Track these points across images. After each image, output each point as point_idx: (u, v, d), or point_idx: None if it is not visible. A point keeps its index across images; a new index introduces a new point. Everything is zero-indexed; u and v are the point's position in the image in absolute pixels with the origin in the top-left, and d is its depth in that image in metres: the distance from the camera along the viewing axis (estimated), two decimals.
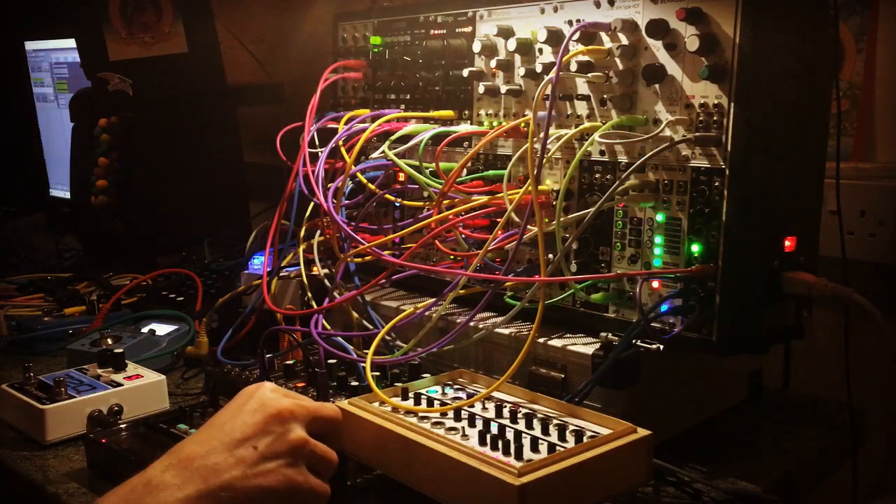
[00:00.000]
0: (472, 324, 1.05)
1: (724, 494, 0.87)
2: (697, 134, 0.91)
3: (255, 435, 0.73)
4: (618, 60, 0.98)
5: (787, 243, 0.95)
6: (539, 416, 0.85)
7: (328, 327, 1.12)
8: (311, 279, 1.20)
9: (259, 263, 1.28)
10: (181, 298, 1.42)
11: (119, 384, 1.04)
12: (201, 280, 1.42)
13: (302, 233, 1.24)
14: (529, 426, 0.83)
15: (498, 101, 1.13)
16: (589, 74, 0.99)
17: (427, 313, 1.08)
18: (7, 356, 1.29)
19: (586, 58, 1.00)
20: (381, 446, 0.83)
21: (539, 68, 1.05)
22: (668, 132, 0.94)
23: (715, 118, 0.90)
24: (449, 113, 1.19)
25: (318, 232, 1.24)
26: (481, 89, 1.14)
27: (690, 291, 0.92)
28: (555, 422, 0.83)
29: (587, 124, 1.01)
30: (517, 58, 1.09)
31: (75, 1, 1.78)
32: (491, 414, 0.86)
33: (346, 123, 1.22)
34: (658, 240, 0.96)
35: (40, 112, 2.33)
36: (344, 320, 1.19)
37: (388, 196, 1.19)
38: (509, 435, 0.80)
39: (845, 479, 1.03)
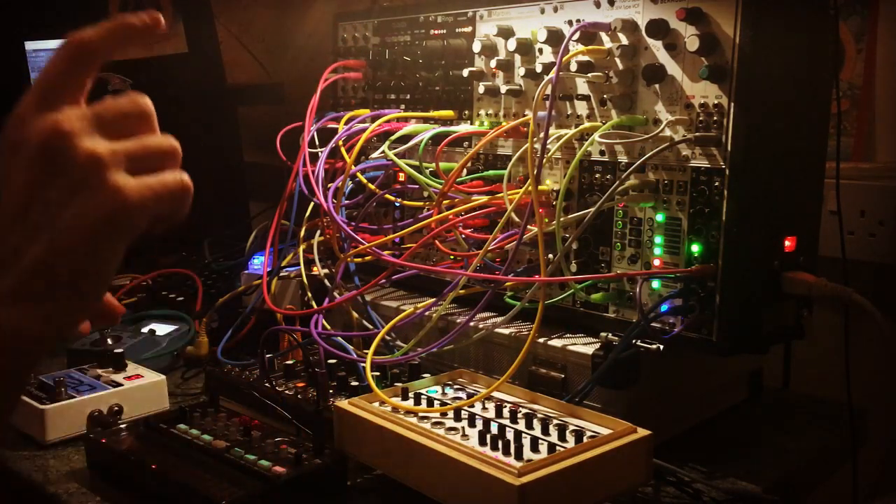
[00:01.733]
0: (472, 324, 1.05)
1: (724, 494, 0.87)
2: (697, 134, 0.91)
3: (34, 188, 0.52)
4: (618, 60, 0.98)
5: (787, 243, 0.95)
6: (539, 416, 0.85)
7: (328, 327, 1.12)
8: (311, 279, 1.20)
9: (259, 263, 1.28)
10: (181, 298, 1.42)
11: (119, 384, 1.04)
12: (201, 280, 1.42)
13: (302, 233, 1.24)
14: (529, 426, 0.83)
15: (498, 101, 1.13)
16: (589, 74, 1.00)
17: (427, 313, 1.08)
18: None
19: (586, 58, 1.00)
20: (381, 446, 0.84)
21: (539, 68, 1.05)
22: (668, 132, 0.94)
23: (715, 118, 0.90)
24: (449, 113, 1.19)
25: (318, 232, 1.24)
26: (481, 89, 1.14)
27: (690, 291, 0.92)
28: (555, 422, 0.83)
29: (587, 124, 1.01)
30: (517, 58, 1.09)
31: (75, 1, 1.78)
32: (491, 414, 0.86)
33: (346, 123, 1.22)
34: (658, 240, 0.96)
35: None
36: (344, 320, 1.19)
37: (388, 196, 1.19)
38: (509, 435, 0.80)
39: (845, 479, 1.03)
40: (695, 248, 0.92)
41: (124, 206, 0.54)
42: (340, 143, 1.19)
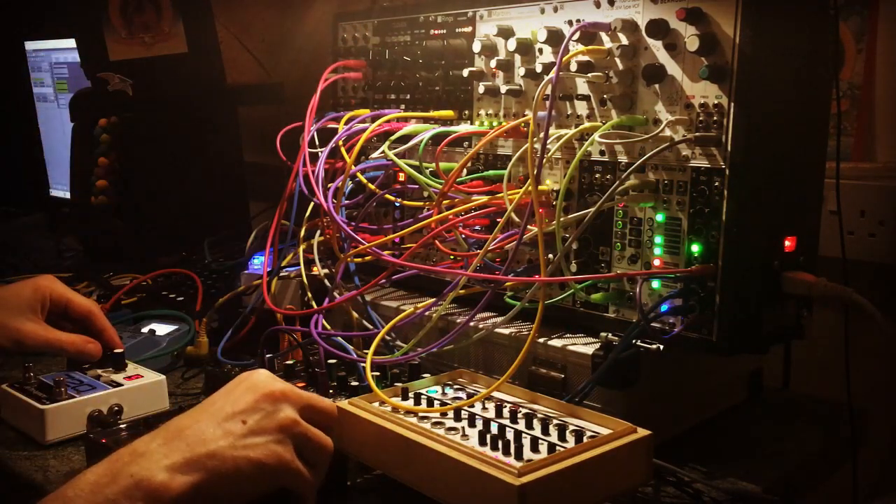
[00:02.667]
0: (472, 324, 1.05)
1: (724, 494, 0.87)
2: (697, 134, 0.91)
3: (245, 411, 0.74)
4: (618, 60, 0.98)
5: (787, 243, 0.95)
6: (539, 416, 0.85)
7: (328, 327, 1.12)
8: (311, 279, 1.20)
9: (259, 263, 1.28)
10: (181, 298, 1.42)
11: (119, 384, 1.04)
12: (201, 280, 1.42)
13: (302, 233, 1.24)
14: (529, 426, 0.83)
15: (498, 101, 1.13)
16: (589, 74, 0.99)
17: (427, 313, 1.08)
18: (7, 356, 1.29)
19: (586, 58, 1.00)
20: (381, 446, 0.84)
21: (539, 68, 1.05)
22: (668, 132, 0.94)
23: (715, 118, 0.90)
24: (449, 113, 1.19)
25: (318, 232, 1.25)
26: (481, 89, 1.14)
27: (690, 291, 0.92)
28: (555, 422, 0.83)
29: (587, 124, 1.01)
30: (517, 58, 1.09)
31: (75, 1, 1.78)
32: (491, 414, 0.86)
33: (346, 123, 1.22)
34: (658, 240, 0.96)
35: (40, 112, 2.32)
36: (344, 320, 1.19)
37: (388, 196, 1.19)
38: (509, 435, 0.80)
39: (845, 479, 1.03)
40: (695, 248, 0.92)
41: (283, 463, 0.74)
42: (340, 143, 1.19)
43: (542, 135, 0.98)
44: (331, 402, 0.83)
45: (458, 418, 0.85)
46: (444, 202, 1.08)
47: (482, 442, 0.79)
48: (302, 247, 1.23)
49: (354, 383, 0.99)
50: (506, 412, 0.86)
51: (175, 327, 1.29)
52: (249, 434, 0.73)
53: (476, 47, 1.12)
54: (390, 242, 1.18)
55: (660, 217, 0.95)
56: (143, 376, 1.07)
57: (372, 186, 1.19)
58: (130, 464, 0.69)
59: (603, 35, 0.99)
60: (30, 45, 2.31)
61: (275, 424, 0.74)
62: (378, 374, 0.99)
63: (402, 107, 1.26)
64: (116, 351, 1.10)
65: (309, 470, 0.76)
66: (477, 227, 1.10)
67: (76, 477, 0.69)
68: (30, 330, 1.07)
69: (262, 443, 0.73)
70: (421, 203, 1.18)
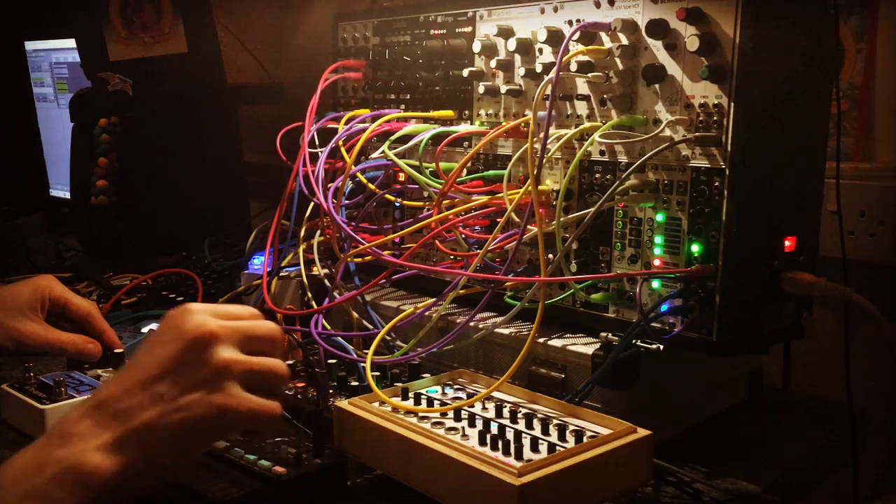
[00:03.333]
0: (472, 324, 1.05)
1: (724, 494, 0.87)
2: (697, 134, 0.91)
3: (172, 368, 0.67)
4: (618, 60, 0.98)
5: (787, 243, 0.95)
6: (539, 416, 0.85)
7: (328, 327, 1.12)
8: (311, 279, 1.20)
9: (259, 263, 1.28)
10: (181, 298, 1.42)
11: None
12: (201, 280, 1.42)
13: (302, 233, 1.24)
14: (529, 426, 0.83)
15: (498, 101, 1.13)
16: (589, 74, 0.99)
17: (427, 313, 1.08)
18: (7, 356, 1.29)
19: (586, 58, 1.00)
20: (381, 446, 0.84)
21: (539, 68, 1.05)
22: (668, 132, 0.94)
23: (715, 118, 0.90)
24: (449, 113, 1.19)
25: (318, 232, 1.24)
26: (481, 89, 1.14)
27: (690, 291, 0.92)
28: (555, 422, 0.83)
29: (587, 124, 1.01)
30: (517, 58, 1.09)
31: (75, 1, 1.78)
32: (491, 414, 0.86)
33: (346, 123, 1.22)
34: (658, 240, 0.96)
35: (40, 112, 2.33)
36: (344, 320, 1.19)
37: (388, 196, 1.19)
38: (509, 435, 0.80)
39: (845, 479, 1.03)
40: (695, 248, 0.92)
41: (228, 412, 0.67)
42: (340, 143, 1.19)
43: (542, 135, 0.98)
44: (271, 323, 0.75)
45: (458, 418, 0.85)
46: (444, 202, 1.08)
47: (482, 442, 0.79)
48: (302, 247, 1.23)
49: (354, 383, 0.99)
50: (506, 412, 0.86)
51: None
52: (182, 393, 0.66)
53: (476, 47, 1.12)
54: (390, 242, 1.18)
55: (660, 217, 0.95)
56: None
57: (372, 186, 1.19)
58: (59, 448, 0.64)
59: (603, 35, 0.99)
60: (30, 45, 2.31)
61: (208, 372, 0.67)
62: (378, 374, 0.99)
63: (402, 107, 1.26)
64: (116, 351, 1.10)
65: (264, 399, 0.70)
66: (477, 227, 1.10)
67: (2, 465, 0.64)
68: (29, 330, 1.07)
69: (198, 398, 0.66)
70: (421, 203, 1.18)
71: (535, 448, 0.78)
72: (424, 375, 0.97)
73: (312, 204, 1.23)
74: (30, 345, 1.07)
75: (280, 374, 0.72)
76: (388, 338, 1.09)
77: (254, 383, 0.70)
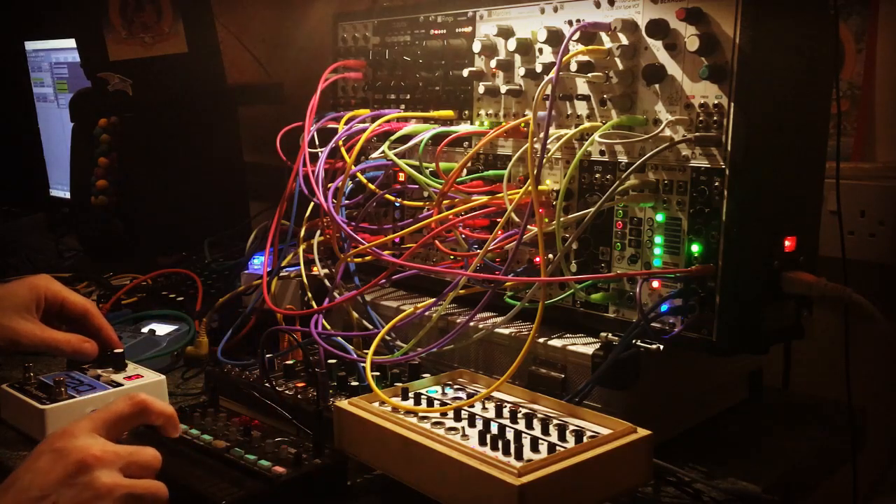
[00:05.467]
0: (472, 324, 1.05)
1: (724, 494, 0.87)
2: (697, 134, 0.91)
3: (52, 489, 0.68)
4: (618, 60, 0.98)
5: (787, 243, 0.95)
6: (539, 416, 0.85)
7: (328, 327, 1.12)
8: (311, 279, 1.20)
9: (259, 263, 1.28)
10: (181, 298, 1.42)
11: (119, 384, 1.04)
12: (201, 280, 1.42)
13: (302, 233, 1.24)
14: (529, 426, 0.83)
15: (498, 101, 1.13)
16: (589, 74, 0.99)
17: (427, 313, 1.08)
18: (7, 356, 1.29)
19: (586, 58, 1.00)
20: (381, 446, 0.84)
21: (539, 68, 1.05)
22: (668, 132, 0.94)
23: (715, 118, 0.90)
24: (449, 113, 1.19)
25: (318, 232, 1.25)
26: (481, 89, 1.14)
27: (690, 291, 0.92)
28: (555, 422, 0.83)
29: (587, 124, 1.01)
30: (517, 58, 1.09)
31: (75, 1, 1.78)
32: (491, 414, 0.86)
33: (346, 123, 1.22)
34: (658, 240, 0.96)
35: (40, 112, 2.33)
36: (344, 320, 1.19)
37: (388, 196, 1.19)
38: (509, 435, 0.80)
39: (845, 479, 1.03)
40: (695, 248, 0.92)
41: None
42: (340, 143, 1.19)
43: (542, 135, 0.98)
44: (152, 450, 0.77)
45: (458, 418, 0.85)
46: (444, 202, 1.08)
47: (482, 442, 0.79)
48: (302, 247, 1.23)
49: (354, 383, 0.99)
50: (506, 412, 0.86)
51: (175, 327, 1.29)
52: None
53: (476, 47, 1.12)
54: (390, 242, 1.18)
55: (660, 217, 0.95)
56: (143, 376, 1.07)
57: (372, 186, 1.19)
58: None
59: (603, 35, 0.99)
60: (30, 45, 2.31)
61: (89, 496, 0.68)
62: (378, 374, 0.99)
63: (402, 107, 1.26)
64: (116, 351, 1.10)
65: None
66: (477, 227, 1.10)
67: None
68: (25, 329, 1.06)
69: None
70: (421, 203, 1.18)
71: (535, 448, 0.78)
72: (424, 375, 0.97)
73: (312, 204, 1.23)
74: (25, 344, 1.06)
75: (162, 496, 0.74)
76: (388, 338, 1.09)
77: None
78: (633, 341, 0.92)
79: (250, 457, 0.85)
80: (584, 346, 0.97)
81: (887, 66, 1.24)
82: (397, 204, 1.22)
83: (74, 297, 1.12)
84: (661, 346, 0.93)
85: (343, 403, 0.88)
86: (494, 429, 0.81)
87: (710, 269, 0.91)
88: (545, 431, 0.81)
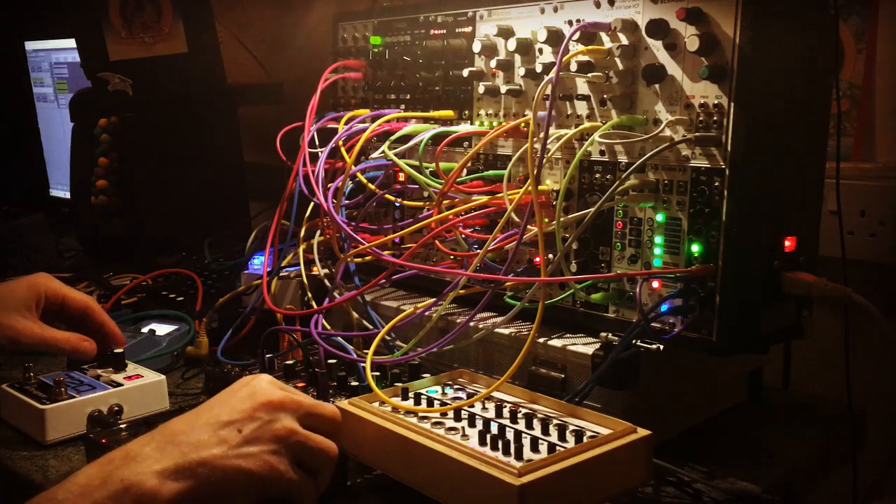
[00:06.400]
0: (472, 324, 1.05)
1: (724, 494, 0.87)
2: (697, 134, 0.91)
3: (241, 419, 0.74)
4: (618, 60, 0.98)
5: (787, 243, 0.95)
6: (539, 416, 0.85)
7: (328, 327, 1.12)
8: (311, 279, 1.20)
9: (259, 263, 1.28)
10: (181, 298, 1.42)
11: (119, 384, 1.04)
12: (201, 280, 1.42)
13: (302, 233, 1.24)
14: (529, 426, 0.83)
15: (498, 101, 1.13)
16: (589, 74, 0.99)
17: (427, 313, 1.08)
18: (7, 356, 1.29)
19: (586, 58, 1.00)
20: (381, 446, 0.83)
21: (539, 68, 1.05)
22: (668, 132, 0.94)
23: (715, 118, 0.90)
24: (449, 113, 1.19)
25: (318, 232, 1.25)
26: (481, 89, 1.14)
27: (690, 291, 0.92)
28: (555, 422, 0.83)
29: (587, 124, 1.01)
30: (517, 58, 1.09)
31: (75, 1, 1.78)
32: (491, 414, 0.86)
33: (346, 123, 1.22)
34: (658, 240, 0.96)
35: (40, 112, 2.33)
36: (344, 320, 1.19)
37: (388, 196, 1.19)
38: (509, 435, 0.80)
39: (845, 479, 1.03)
40: (695, 248, 0.92)
41: (276, 474, 0.73)
42: (340, 143, 1.19)
43: (542, 135, 0.98)
44: (333, 407, 0.83)
45: (458, 418, 0.85)
46: (444, 202, 1.08)
47: (482, 442, 0.79)
48: (302, 247, 1.23)
49: (354, 383, 0.99)
50: (506, 412, 0.86)
51: (175, 327, 1.29)
52: (244, 443, 0.73)
53: (476, 47, 1.12)
54: (390, 242, 1.18)
55: (660, 217, 0.95)
56: (143, 376, 1.07)
57: (372, 186, 1.19)
58: (122, 467, 0.68)
59: (603, 35, 0.99)
60: (30, 45, 2.31)
61: (270, 434, 0.74)
62: (378, 374, 0.99)
63: (402, 107, 1.26)
64: (116, 351, 1.10)
65: (310, 477, 0.76)
66: (477, 227, 1.10)
67: (68, 478, 0.69)
68: (25, 328, 1.07)
69: (256, 452, 0.73)
70: (421, 203, 1.18)
71: (535, 448, 0.78)
72: (424, 375, 0.97)
73: (312, 204, 1.23)
74: (25, 343, 1.07)
75: (332, 455, 0.79)
76: (388, 338, 1.09)
77: (305, 457, 0.76)
78: (633, 341, 0.92)
79: None
80: (584, 346, 0.97)
81: (887, 66, 1.24)
82: (397, 204, 1.22)
83: (75, 294, 1.13)
84: (661, 346, 0.93)
85: (343, 403, 0.88)
86: (494, 429, 0.81)
87: (710, 269, 0.91)
88: (545, 431, 0.81)
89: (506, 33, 1.09)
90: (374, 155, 1.20)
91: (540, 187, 1.03)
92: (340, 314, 1.19)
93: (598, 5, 1.00)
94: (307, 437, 0.76)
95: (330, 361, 1.03)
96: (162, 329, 1.28)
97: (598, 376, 0.90)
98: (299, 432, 0.76)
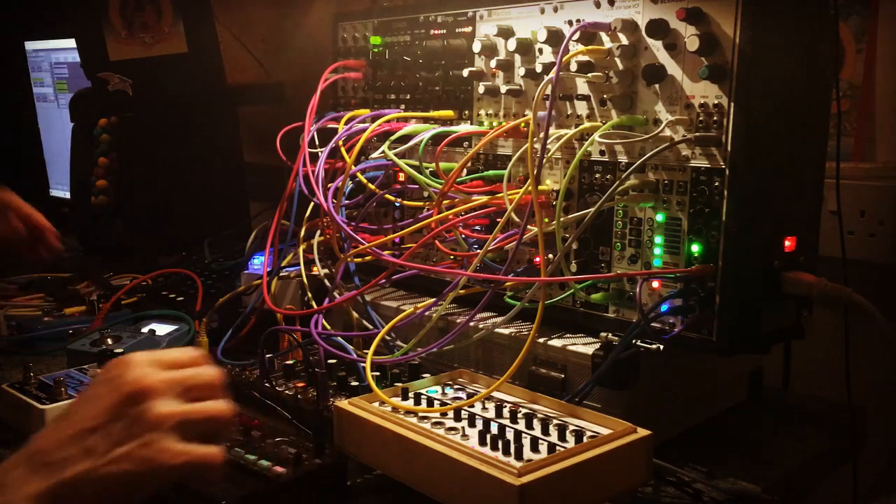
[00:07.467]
0: (472, 324, 1.05)
1: (724, 494, 0.87)
2: (697, 134, 0.91)
3: (107, 422, 0.67)
4: (618, 60, 0.98)
5: (787, 243, 0.95)
6: (539, 416, 0.85)
7: (328, 327, 1.12)
8: (311, 279, 1.20)
9: (259, 263, 1.28)
10: (181, 298, 1.41)
11: None
12: (201, 280, 1.42)
13: (302, 233, 1.24)
14: (529, 426, 0.83)
15: (498, 101, 1.13)
16: (589, 74, 1.00)
17: (427, 313, 1.08)
18: (7, 356, 1.29)
19: (586, 58, 1.00)
20: (381, 446, 0.84)
21: (539, 68, 1.05)
22: (668, 132, 0.94)
23: (715, 118, 0.90)
24: (449, 113, 1.19)
25: (318, 232, 1.25)
26: (481, 89, 1.14)
27: (690, 291, 0.92)
28: (555, 422, 0.83)
29: (587, 124, 1.01)
30: (517, 58, 1.09)
31: (75, 1, 1.78)
32: (491, 414, 0.86)
33: (346, 123, 1.22)
34: (658, 240, 0.96)
35: (40, 112, 2.32)
36: (344, 320, 1.19)
37: (388, 196, 1.19)
38: (509, 435, 0.80)
39: (845, 479, 1.03)
40: (695, 248, 0.92)
41: (158, 467, 0.66)
42: (340, 143, 1.19)
43: (542, 135, 0.98)
44: (210, 370, 0.74)
45: (458, 418, 0.85)
46: (444, 202, 1.08)
47: (482, 442, 0.79)
48: (302, 247, 1.23)
49: (354, 383, 0.99)
50: (506, 412, 0.86)
51: (175, 327, 1.29)
52: (114, 446, 0.66)
53: (476, 47, 1.12)
54: (390, 242, 1.18)
55: (660, 217, 0.95)
56: None
57: (372, 186, 1.19)
58: None
59: (603, 35, 0.99)
60: (30, 45, 2.31)
61: (143, 426, 0.67)
62: (378, 374, 0.99)
63: (402, 107, 1.26)
64: (116, 351, 1.10)
65: (203, 448, 0.69)
66: (477, 227, 1.10)
67: None
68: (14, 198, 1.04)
69: (129, 452, 0.66)
70: (421, 203, 1.18)
71: (535, 448, 0.78)
72: (424, 375, 0.97)
73: (312, 204, 1.23)
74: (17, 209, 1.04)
75: (221, 417, 0.71)
76: (388, 338, 1.09)
77: (194, 432, 0.69)
78: (633, 341, 0.92)
79: (250, 457, 0.85)
80: (584, 346, 0.97)
81: (887, 66, 1.24)
82: (397, 204, 1.22)
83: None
84: (661, 346, 0.93)
85: (343, 403, 0.88)
86: (494, 429, 0.81)
87: (710, 269, 0.91)
88: (545, 431, 0.81)
89: (506, 33, 1.09)
90: (374, 155, 1.20)
91: (540, 187, 1.03)
92: (340, 314, 1.19)
93: (598, 5, 1.00)
94: (187, 413, 0.69)
95: (330, 361, 1.03)
96: (162, 329, 1.28)
97: (598, 376, 0.90)
98: (176, 412, 0.69)
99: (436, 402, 0.88)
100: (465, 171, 1.09)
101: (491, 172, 1.11)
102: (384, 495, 0.87)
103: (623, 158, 0.99)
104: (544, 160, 1.02)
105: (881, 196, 1.20)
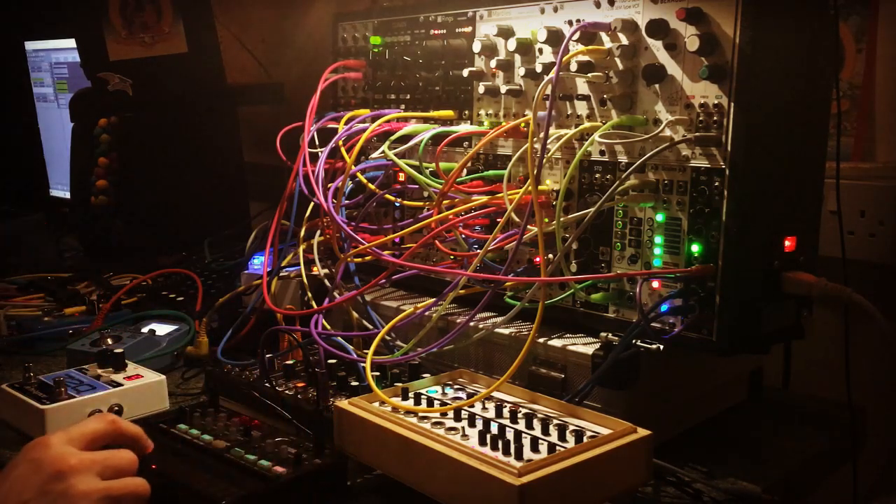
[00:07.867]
0: (472, 324, 1.05)
1: (724, 494, 0.87)
2: (697, 134, 0.91)
3: (32, 498, 0.70)
4: (618, 60, 0.98)
5: (787, 243, 0.95)
6: (539, 416, 0.85)
7: (328, 327, 1.12)
8: (311, 279, 1.20)
9: (259, 263, 1.28)
10: (181, 298, 1.42)
11: (119, 384, 1.04)
12: (201, 280, 1.42)
13: (302, 233, 1.24)
14: (529, 426, 0.83)
15: (498, 101, 1.13)
16: (589, 74, 1.00)
17: (427, 313, 1.08)
18: (7, 356, 1.29)
19: (586, 58, 1.00)
20: (381, 446, 0.84)
21: (539, 68, 1.05)
22: (668, 132, 0.94)
23: (715, 118, 0.90)
24: (449, 113, 1.19)
25: (318, 232, 1.25)
26: (481, 89, 1.14)
27: (690, 291, 0.92)
28: (555, 422, 0.83)
29: (587, 124, 1.01)
30: (517, 58, 1.09)
31: (75, 1, 1.78)
32: (491, 414, 0.86)
33: (346, 123, 1.22)
34: (658, 240, 0.96)
35: (40, 112, 2.32)
36: (344, 320, 1.19)
37: (388, 196, 1.19)
38: (509, 435, 0.80)
39: (845, 479, 1.03)
40: (695, 248, 0.92)
41: None
42: (340, 143, 1.19)
43: (542, 135, 0.98)
44: (127, 452, 0.78)
45: (458, 418, 0.85)
46: (444, 202, 1.08)
47: (482, 442, 0.79)
48: (302, 247, 1.23)
49: (354, 383, 0.99)
50: (506, 412, 0.86)
51: (175, 327, 1.29)
52: None
53: (476, 47, 1.12)
54: (390, 242, 1.18)
55: (660, 217, 0.95)
56: (143, 376, 1.07)
57: (372, 186, 1.19)
58: None
59: (603, 35, 0.99)
60: (30, 45, 2.31)
61: (69, 503, 0.70)
62: (378, 374, 0.99)
63: (402, 107, 1.26)
64: (116, 351, 1.10)
65: None
66: (477, 227, 1.10)
67: None
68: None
69: None
70: (421, 203, 1.18)
71: (535, 448, 0.78)
72: (424, 375, 0.97)
73: (312, 204, 1.23)
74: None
75: (142, 491, 0.75)
76: (388, 338, 1.09)
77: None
78: (633, 341, 0.92)
79: (250, 457, 0.85)
80: (584, 346, 0.97)
81: (887, 66, 1.24)
82: (397, 204, 1.22)
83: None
84: (661, 346, 0.93)
85: (343, 403, 0.88)
86: (494, 429, 0.81)
87: (710, 269, 0.91)
88: (545, 431, 0.81)
89: (506, 33, 1.09)
90: (374, 155, 1.20)
91: (540, 187, 1.03)
92: (340, 314, 1.19)
93: (598, 5, 1.00)
94: (108, 489, 0.73)
95: (330, 361, 1.03)
96: (162, 329, 1.28)
97: (598, 376, 0.90)
98: (100, 488, 0.72)
99: (436, 402, 0.88)
100: (465, 171, 1.09)
101: (491, 172, 1.11)
102: (384, 495, 0.87)
103: (623, 158, 0.99)
104: (544, 160, 1.02)
105: (881, 196, 1.20)
